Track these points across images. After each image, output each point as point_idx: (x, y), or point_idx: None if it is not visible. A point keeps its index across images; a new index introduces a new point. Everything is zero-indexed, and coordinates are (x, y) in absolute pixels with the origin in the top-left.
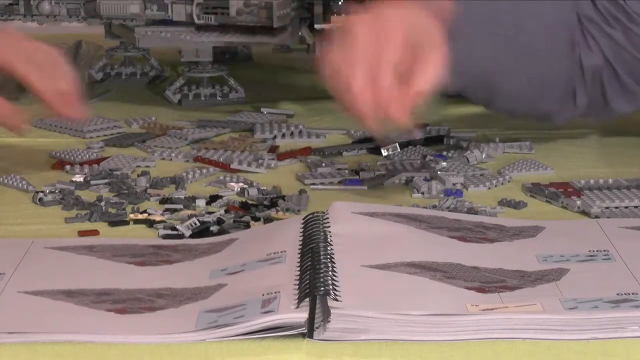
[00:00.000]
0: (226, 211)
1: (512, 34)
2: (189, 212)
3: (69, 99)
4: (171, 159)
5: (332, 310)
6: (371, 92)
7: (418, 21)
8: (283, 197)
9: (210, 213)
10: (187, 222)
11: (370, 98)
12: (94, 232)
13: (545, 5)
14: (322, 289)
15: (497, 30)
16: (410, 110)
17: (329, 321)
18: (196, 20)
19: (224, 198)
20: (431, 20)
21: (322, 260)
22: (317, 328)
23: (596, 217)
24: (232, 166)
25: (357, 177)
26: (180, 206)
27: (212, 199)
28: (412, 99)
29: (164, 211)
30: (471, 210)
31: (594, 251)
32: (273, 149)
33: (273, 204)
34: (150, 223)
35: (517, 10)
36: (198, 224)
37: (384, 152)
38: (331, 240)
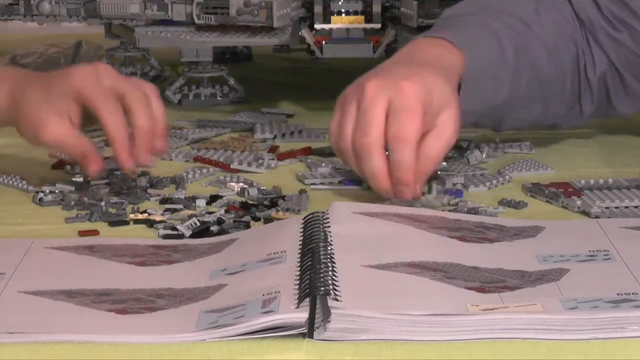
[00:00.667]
0: (226, 211)
1: (517, 64)
2: (189, 212)
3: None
4: (171, 159)
5: (332, 310)
6: (392, 169)
7: (432, 86)
8: (283, 197)
9: (210, 213)
10: (187, 222)
11: (391, 175)
12: (94, 232)
13: (546, 26)
14: (322, 289)
15: (503, 68)
16: (424, 178)
17: (329, 321)
18: (196, 20)
19: (224, 198)
20: (444, 81)
21: (322, 260)
22: (317, 328)
23: (596, 217)
24: (232, 166)
25: (357, 177)
26: (181, 206)
27: (212, 199)
28: (427, 169)
29: (164, 211)
30: (471, 210)
31: (594, 251)
32: (273, 149)
33: (273, 204)
34: (150, 223)
35: (520, 38)
36: (198, 224)
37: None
38: (331, 240)
